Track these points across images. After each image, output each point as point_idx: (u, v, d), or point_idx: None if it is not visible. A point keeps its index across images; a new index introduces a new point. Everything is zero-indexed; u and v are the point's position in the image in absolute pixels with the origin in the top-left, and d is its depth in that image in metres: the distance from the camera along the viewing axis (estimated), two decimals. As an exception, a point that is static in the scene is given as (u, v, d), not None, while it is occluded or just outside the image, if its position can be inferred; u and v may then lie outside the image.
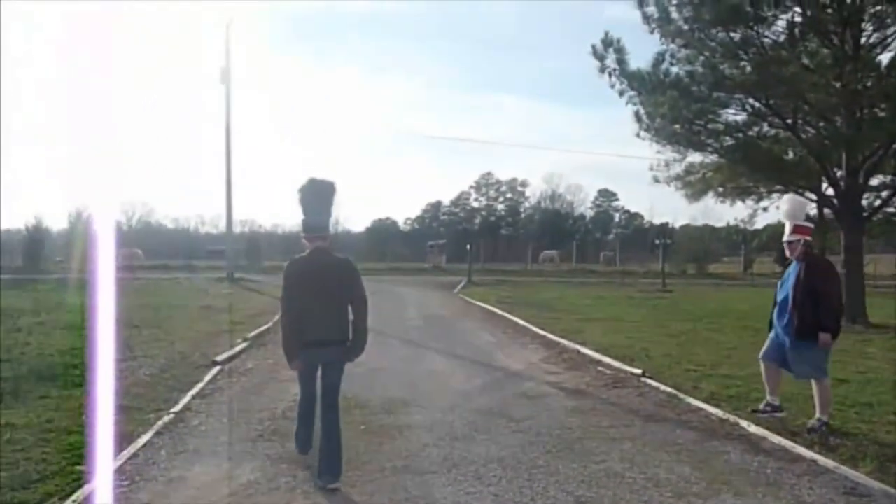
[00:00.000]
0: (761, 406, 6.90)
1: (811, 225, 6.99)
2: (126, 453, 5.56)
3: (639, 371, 9.23)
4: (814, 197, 18.87)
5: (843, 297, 15.29)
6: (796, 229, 6.70)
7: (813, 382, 6.59)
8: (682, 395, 7.88)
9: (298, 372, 5.30)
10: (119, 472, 5.18)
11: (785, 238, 6.80)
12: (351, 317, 5.19)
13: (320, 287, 5.06)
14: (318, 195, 5.26)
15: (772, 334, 6.84)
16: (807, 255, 6.65)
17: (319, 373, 5.25)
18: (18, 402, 7.15)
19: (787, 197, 7.36)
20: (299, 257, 5.26)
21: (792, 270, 6.71)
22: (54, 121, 74.95)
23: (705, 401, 7.59)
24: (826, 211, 19.01)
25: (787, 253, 6.82)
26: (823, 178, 17.19)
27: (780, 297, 6.77)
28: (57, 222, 39.19)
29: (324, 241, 5.21)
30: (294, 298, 5.09)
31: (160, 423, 6.52)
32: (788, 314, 6.55)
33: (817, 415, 6.50)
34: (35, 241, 34.99)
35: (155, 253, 50.34)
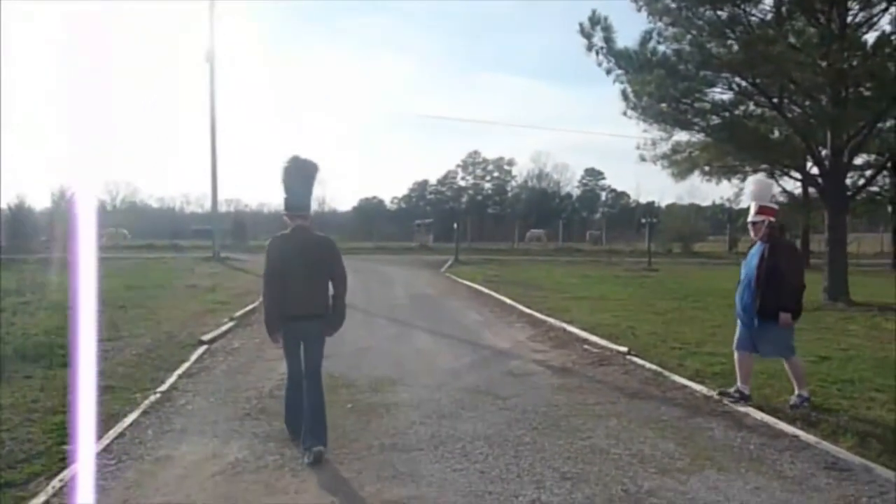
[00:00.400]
0: (731, 390, 6.83)
1: (776, 206, 7.01)
2: (113, 433, 5.56)
3: (624, 349, 9.30)
4: (799, 176, 18.98)
5: (828, 276, 15.44)
6: (761, 210, 6.72)
7: (784, 361, 6.68)
8: (666, 373, 7.96)
9: (284, 346, 5.40)
10: (106, 451, 5.18)
11: (749, 219, 6.83)
12: (331, 292, 5.33)
13: (302, 263, 5.19)
14: (300, 174, 5.32)
15: (740, 322, 6.88)
16: (771, 237, 6.67)
17: (302, 348, 5.35)
18: (3, 382, 7.13)
19: (753, 178, 7.38)
20: (281, 234, 5.35)
21: (755, 251, 6.74)
22: (37, 101, 73.97)
23: (690, 378, 7.68)
24: (810, 190, 19.13)
25: (752, 234, 6.84)
26: (808, 157, 17.29)
27: (743, 277, 6.80)
28: (40, 202, 38.84)
29: (305, 220, 5.31)
30: (276, 274, 5.21)
31: (147, 402, 6.52)
32: (751, 294, 6.60)
33: (797, 391, 6.58)
34: (18, 221, 34.68)
35: (140, 233, 50.01)
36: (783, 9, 15.46)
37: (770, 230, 6.68)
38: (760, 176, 7.73)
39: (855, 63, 14.74)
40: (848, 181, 17.39)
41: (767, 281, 6.47)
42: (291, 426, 5.55)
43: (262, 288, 5.33)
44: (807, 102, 16.37)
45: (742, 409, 6.45)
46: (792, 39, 15.34)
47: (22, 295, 14.43)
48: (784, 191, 24.54)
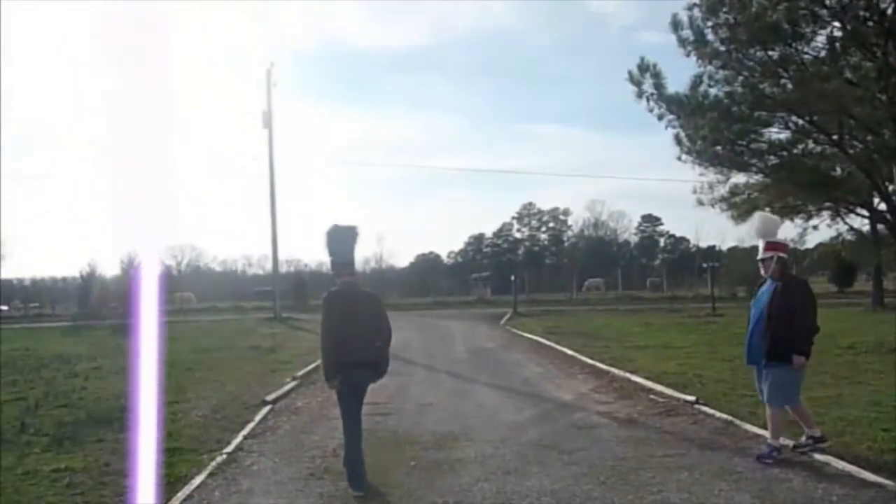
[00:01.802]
0: (802, 440, 6.48)
1: (785, 241, 6.77)
2: (181, 495, 5.62)
3: (692, 398, 9.02)
4: (866, 213, 18.42)
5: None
6: (769, 246, 6.50)
7: (768, 407, 6.41)
8: (738, 422, 7.66)
9: (341, 393, 5.80)
10: (175, 513, 5.23)
11: (759, 256, 6.60)
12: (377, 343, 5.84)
13: (355, 315, 5.72)
14: (341, 238, 5.94)
15: (755, 373, 6.61)
16: (783, 274, 6.44)
17: None
18: (77, 446, 7.31)
19: (758, 214, 7.15)
20: (335, 290, 5.93)
21: (766, 289, 6.50)
22: (106, 169, 77.49)
23: (763, 427, 7.33)
24: (879, 226, 18.52)
25: (762, 271, 6.59)
26: (875, 193, 16.78)
27: (752, 319, 6.54)
28: (111, 269, 40.23)
29: (351, 277, 5.99)
30: (333, 324, 5.69)
31: (213, 463, 6.58)
32: (760, 335, 6.34)
33: (769, 439, 6.32)
34: (89, 288, 35.97)
35: (204, 295, 51.31)
36: (837, 45, 15.26)
37: (781, 266, 6.45)
38: (764, 212, 7.56)
39: (917, 95, 14.39)
40: (919, 216, 16.76)
41: (779, 321, 6.20)
42: (356, 473, 5.67)
43: (321, 337, 5.78)
44: (869, 137, 15.99)
45: (821, 457, 6.14)
46: (848, 75, 15.10)
47: (93, 360, 14.90)
48: (851, 229, 23.82)
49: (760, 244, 6.60)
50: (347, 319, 5.67)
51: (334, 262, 5.94)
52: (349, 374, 5.70)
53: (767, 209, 19.03)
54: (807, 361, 6.25)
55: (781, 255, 6.51)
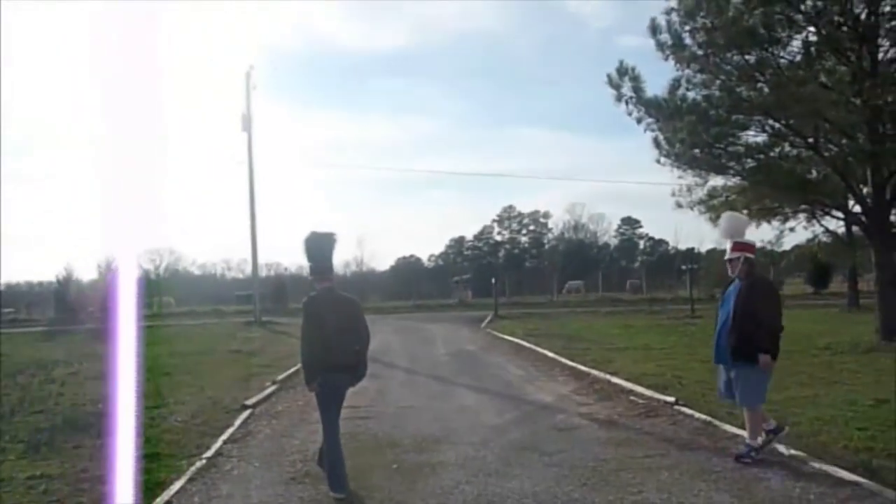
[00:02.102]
0: (761, 441, 6.45)
1: (752, 242, 6.79)
2: (160, 500, 5.57)
3: (672, 399, 9.08)
4: (841, 215, 18.64)
5: (879, 317, 14.91)
6: (736, 246, 6.53)
7: (744, 409, 6.47)
8: (717, 423, 7.73)
9: (321, 396, 5.84)
10: (153, 519, 5.18)
11: (726, 256, 6.63)
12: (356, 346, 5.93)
13: (335, 319, 5.80)
14: (319, 245, 6.04)
15: (720, 371, 6.67)
16: (749, 274, 6.47)
17: None
18: (54, 452, 7.22)
19: (726, 215, 7.19)
20: (314, 295, 6.02)
21: (732, 290, 6.54)
22: (85, 173, 76.73)
23: (741, 427, 7.42)
24: (854, 228, 18.73)
25: (729, 271, 6.62)
26: (850, 196, 16.99)
27: (720, 319, 6.56)
28: (88, 273, 39.72)
29: (330, 282, 6.04)
30: (315, 328, 5.81)
31: (193, 469, 6.53)
32: (727, 335, 6.39)
33: (748, 439, 6.37)
34: (66, 292, 35.49)
35: (183, 300, 50.85)
36: (812, 49, 15.42)
37: (748, 267, 6.48)
38: (732, 212, 7.60)
39: (890, 99, 14.57)
40: (893, 217, 16.97)
41: (744, 321, 6.24)
42: (339, 475, 5.69)
43: (302, 341, 5.89)
44: (843, 141, 16.15)
45: (800, 456, 6.20)
46: (823, 79, 15.27)
47: (70, 365, 14.72)
48: (827, 231, 24.13)
49: (728, 244, 6.63)
50: (326, 324, 5.75)
51: (313, 268, 6.04)
52: (328, 377, 5.77)
53: (745, 211, 19.18)
54: (773, 361, 6.30)
55: (749, 255, 6.54)
